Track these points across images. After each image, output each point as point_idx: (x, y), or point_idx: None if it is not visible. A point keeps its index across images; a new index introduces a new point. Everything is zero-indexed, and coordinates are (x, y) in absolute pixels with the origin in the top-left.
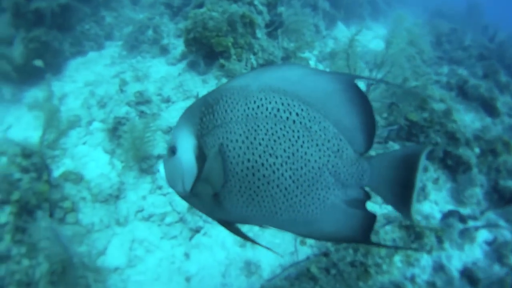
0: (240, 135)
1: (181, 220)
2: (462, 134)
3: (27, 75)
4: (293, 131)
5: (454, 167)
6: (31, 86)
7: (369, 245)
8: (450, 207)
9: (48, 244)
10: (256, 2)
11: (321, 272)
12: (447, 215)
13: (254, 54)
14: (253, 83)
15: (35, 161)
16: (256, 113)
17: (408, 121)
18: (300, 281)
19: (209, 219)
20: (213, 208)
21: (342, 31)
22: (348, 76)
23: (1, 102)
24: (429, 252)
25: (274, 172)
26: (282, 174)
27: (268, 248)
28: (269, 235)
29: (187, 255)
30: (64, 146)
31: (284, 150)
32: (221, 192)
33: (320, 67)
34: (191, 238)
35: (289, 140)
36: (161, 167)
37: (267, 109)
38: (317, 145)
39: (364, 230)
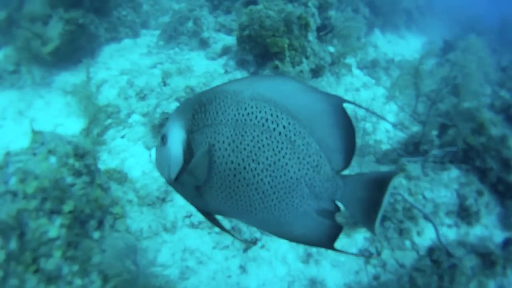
0: (227, 137)
1: (233, 229)
2: None
3: (58, 57)
4: (278, 142)
5: (504, 192)
6: (62, 70)
7: (332, 250)
8: (497, 231)
9: (101, 259)
10: (310, 4)
11: None
12: (507, 243)
13: (307, 58)
14: (247, 90)
15: (88, 162)
16: (245, 120)
17: (466, 144)
18: None
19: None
20: (194, 198)
21: (379, 38)
22: (337, 99)
23: (29, 85)
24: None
25: (254, 176)
26: (262, 179)
27: (236, 237)
28: (333, 253)
29: (243, 268)
30: (100, 138)
31: (267, 158)
32: (202, 186)
33: (360, 74)
34: (245, 249)
35: (273, 149)
36: (152, 152)
37: (256, 117)
38: (298, 158)
39: (329, 238)
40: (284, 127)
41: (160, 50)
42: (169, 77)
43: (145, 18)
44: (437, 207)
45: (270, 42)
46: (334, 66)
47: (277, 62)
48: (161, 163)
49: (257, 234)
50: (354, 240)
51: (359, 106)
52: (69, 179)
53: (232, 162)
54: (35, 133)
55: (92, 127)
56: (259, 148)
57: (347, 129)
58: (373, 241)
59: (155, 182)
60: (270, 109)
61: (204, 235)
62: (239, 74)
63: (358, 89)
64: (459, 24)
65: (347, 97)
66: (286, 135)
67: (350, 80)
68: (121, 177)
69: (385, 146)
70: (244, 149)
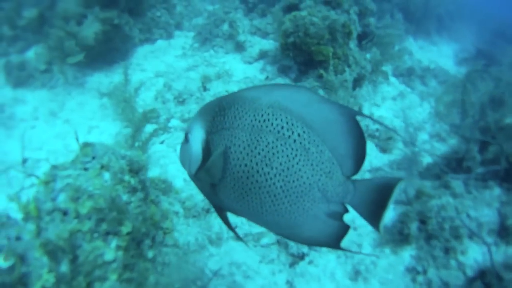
0: (243, 141)
1: (278, 242)
2: None
3: (92, 58)
4: (292, 149)
5: None
6: (95, 70)
7: (339, 249)
8: None
9: (156, 279)
10: (351, 11)
11: None
12: None
13: (349, 66)
14: (264, 97)
15: (142, 177)
16: (261, 126)
17: (508, 163)
18: None
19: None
20: (209, 194)
21: (412, 45)
22: (351, 111)
23: (61, 85)
24: None
25: (266, 180)
26: (274, 183)
27: (243, 241)
28: (381, 270)
29: (290, 284)
30: (138, 144)
31: (280, 164)
32: (217, 184)
33: (396, 82)
34: (291, 264)
35: (287, 156)
36: (178, 148)
37: (272, 124)
38: (311, 164)
39: (337, 238)
40: (299, 135)
41: (195, 53)
42: (208, 81)
43: (178, 20)
44: (480, 226)
45: (315, 50)
46: (371, 74)
47: (321, 71)
48: (183, 158)
49: (305, 249)
50: (401, 257)
51: (371, 119)
52: (125, 197)
53: (246, 165)
54: (84, 145)
55: (137, 135)
56: (273, 154)
57: (358, 138)
58: (420, 259)
59: (200, 192)
60: (286, 117)
61: (250, 248)
62: (281, 81)
63: (395, 98)
64: (487, 30)
65: (384, 106)
66: (300, 143)
67: (387, 89)
68: (166, 187)
69: (425, 159)
70: (259, 153)
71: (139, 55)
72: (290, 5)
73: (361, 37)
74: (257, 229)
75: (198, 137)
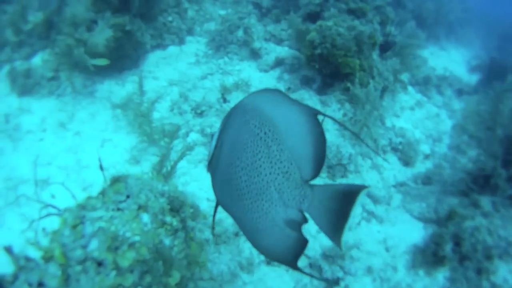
0: (231, 137)
1: (311, 265)
2: None
3: (101, 66)
4: (257, 145)
5: None
6: (105, 78)
7: (295, 269)
8: None
9: None
10: (374, 21)
11: None
12: None
13: (373, 78)
14: (251, 102)
15: (183, 215)
16: (243, 125)
17: None
18: None
19: (349, 270)
20: (212, 183)
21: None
22: (311, 109)
23: (70, 93)
24: None
25: (236, 172)
26: (240, 177)
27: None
28: None
29: None
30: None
31: (247, 158)
32: (213, 173)
33: (412, 91)
34: None
35: (253, 151)
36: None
37: (249, 123)
38: (271, 162)
39: (294, 254)
40: (265, 133)
41: (208, 60)
42: (228, 92)
43: (190, 25)
44: (510, 245)
45: (342, 62)
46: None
47: (348, 84)
48: (209, 153)
49: (340, 273)
50: (435, 279)
51: (332, 119)
52: (167, 241)
53: (228, 156)
54: (115, 180)
55: (141, 144)
56: (244, 149)
57: (318, 138)
58: (454, 281)
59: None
60: (259, 117)
61: (283, 274)
62: (304, 93)
63: (413, 108)
64: (495, 35)
65: (404, 116)
66: (265, 140)
67: (404, 98)
68: (195, 212)
69: (446, 172)
70: (236, 148)
71: (151, 62)
72: (311, 13)
73: (383, 47)
74: None
75: (216, 135)
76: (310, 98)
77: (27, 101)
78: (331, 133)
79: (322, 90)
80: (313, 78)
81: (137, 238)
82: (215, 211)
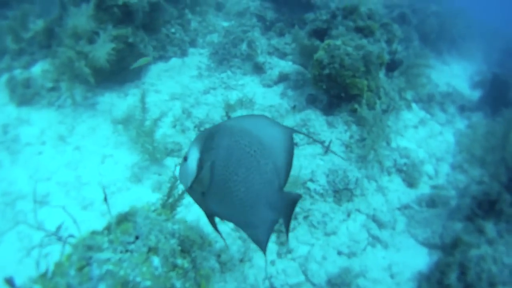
0: (222, 157)
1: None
2: None
3: (102, 77)
4: (250, 162)
5: None
6: (106, 90)
7: (264, 252)
8: None
9: None
10: (381, 39)
11: None
12: None
13: (379, 98)
14: (237, 125)
15: (194, 254)
16: (234, 146)
17: None
18: None
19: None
20: (201, 201)
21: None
22: (289, 129)
23: (70, 105)
24: None
25: (235, 185)
26: (239, 189)
27: (223, 238)
28: None
29: None
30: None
31: (243, 173)
32: (206, 192)
33: (416, 108)
34: None
35: (246, 166)
36: (177, 168)
37: (239, 144)
38: (260, 174)
39: (268, 239)
40: (254, 151)
41: (211, 73)
42: (231, 110)
43: (193, 36)
44: None
45: (350, 83)
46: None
47: (356, 106)
48: (182, 176)
49: None
50: None
51: (306, 135)
52: (178, 284)
53: (223, 174)
54: (122, 218)
55: (142, 162)
56: (239, 166)
57: (290, 153)
58: None
59: (234, 241)
60: (248, 138)
61: None
62: (310, 113)
63: (416, 126)
64: (496, 49)
65: (407, 135)
66: (255, 157)
67: (408, 116)
68: (203, 243)
69: (450, 194)
70: (231, 166)
71: (153, 74)
72: (318, 30)
73: (389, 65)
74: (293, 279)
75: (194, 156)
76: (316, 119)
77: (26, 111)
78: (338, 157)
79: (329, 110)
80: (319, 98)
81: (148, 283)
82: (213, 224)
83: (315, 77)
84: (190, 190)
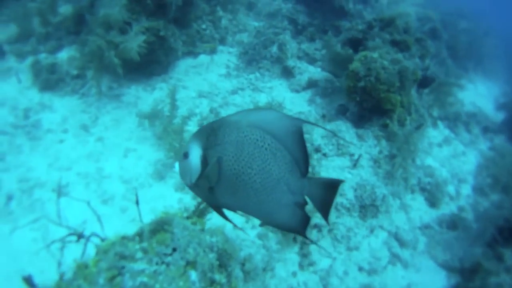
0: (231, 152)
1: None
2: None
3: (129, 68)
4: (265, 154)
5: None
6: (132, 82)
7: (303, 236)
8: None
9: None
10: (415, 55)
11: None
12: None
13: (410, 115)
14: (243, 120)
15: (230, 269)
16: (243, 140)
17: None
18: None
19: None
20: (207, 196)
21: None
22: (299, 121)
23: (94, 94)
24: None
25: (250, 178)
26: (255, 181)
27: (239, 228)
28: None
29: None
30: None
31: (258, 165)
32: (215, 186)
33: (441, 125)
34: None
35: (261, 159)
36: (176, 165)
37: (250, 138)
38: (278, 165)
39: (302, 226)
40: (268, 144)
41: (239, 73)
42: None
43: (223, 34)
44: None
45: (383, 97)
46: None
47: (387, 121)
48: (184, 173)
49: None
50: None
51: (315, 125)
52: None
53: (235, 169)
54: (158, 227)
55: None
56: (253, 159)
57: (303, 144)
58: None
59: (258, 249)
60: (259, 132)
61: None
62: (341, 124)
63: (441, 145)
64: None
65: (432, 153)
66: (270, 150)
67: (433, 133)
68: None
69: (470, 216)
70: (243, 160)
71: (181, 69)
72: (353, 39)
73: (421, 82)
74: None
75: (196, 153)
76: (347, 131)
77: (49, 97)
78: (366, 170)
79: (359, 123)
80: (350, 109)
81: None
82: (222, 214)
83: (349, 88)
84: (194, 186)
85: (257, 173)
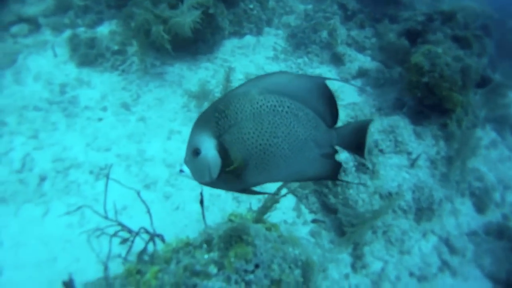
0: (251, 128)
1: None
2: None
3: (174, 45)
4: (287, 118)
5: None
6: (176, 60)
7: (337, 180)
8: None
9: None
10: (475, 53)
11: None
12: None
13: (466, 115)
14: (253, 89)
15: (311, 284)
16: (260, 111)
17: None
18: None
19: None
20: (234, 185)
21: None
22: (320, 78)
23: (135, 71)
24: None
25: (277, 148)
26: (283, 148)
27: (265, 193)
28: None
29: None
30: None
31: (283, 132)
32: (243, 171)
33: (487, 127)
34: None
35: (285, 125)
36: (184, 167)
37: (267, 107)
38: (303, 125)
39: (334, 172)
40: (288, 107)
41: (287, 57)
42: None
43: (270, 15)
44: None
45: (445, 95)
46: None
47: (448, 121)
48: (199, 172)
49: None
50: None
51: (337, 80)
52: None
53: (260, 144)
54: (235, 237)
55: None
56: (275, 127)
57: (330, 98)
58: None
59: (314, 249)
60: (275, 97)
61: None
62: (398, 120)
63: (488, 147)
64: None
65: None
66: (291, 112)
67: (479, 134)
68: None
69: None
70: (266, 131)
71: (226, 49)
72: (411, 30)
73: (479, 81)
74: None
75: (209, 145)
76: (404, 127)
77: (87, 72)
78: (423, 171)
79: (417, 120)
80: (407, 104)
81: None
82: (254, 192)
83: (411, 82)
84: (218, 181)
85: (284, 140)
